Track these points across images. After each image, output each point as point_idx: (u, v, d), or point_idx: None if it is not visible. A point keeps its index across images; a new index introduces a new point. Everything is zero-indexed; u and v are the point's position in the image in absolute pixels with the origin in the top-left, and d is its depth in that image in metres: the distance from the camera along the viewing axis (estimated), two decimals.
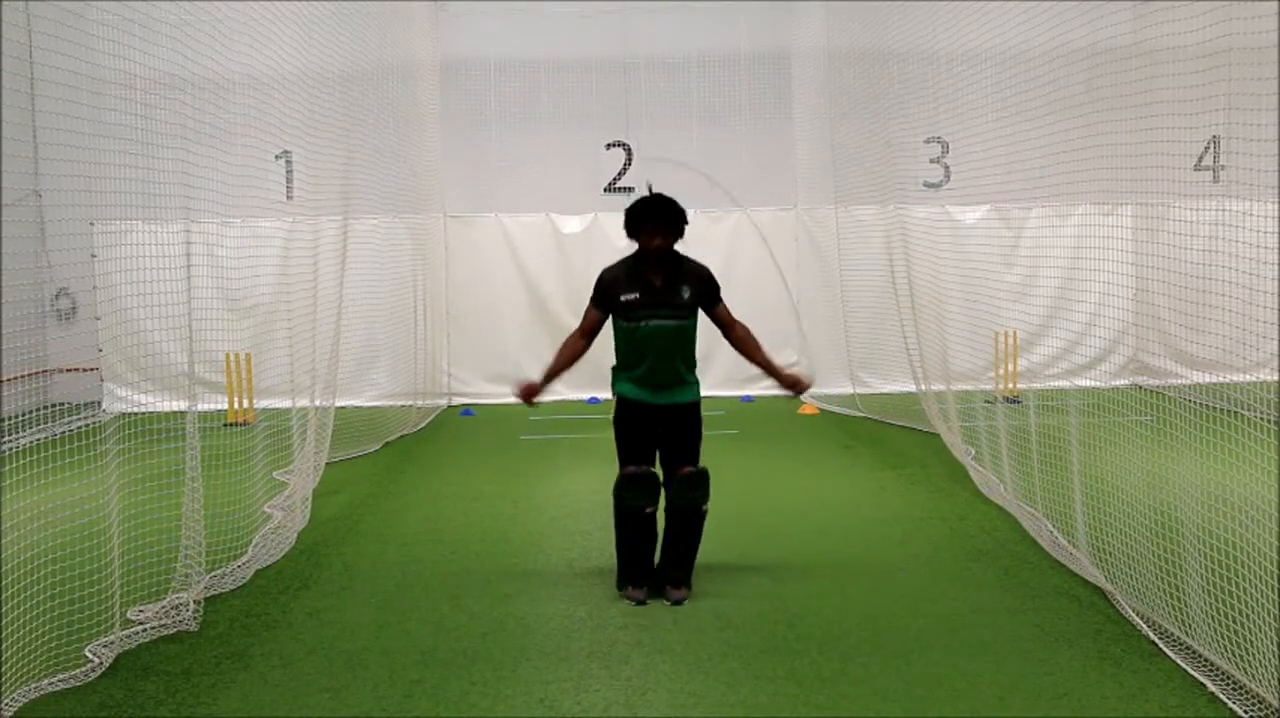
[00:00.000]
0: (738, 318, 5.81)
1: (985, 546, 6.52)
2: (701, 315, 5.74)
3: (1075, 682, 4.45)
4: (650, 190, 5.63)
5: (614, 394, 5.79)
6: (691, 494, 5.64)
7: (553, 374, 5.76)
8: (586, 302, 5.78)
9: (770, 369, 5.83)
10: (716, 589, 5.76)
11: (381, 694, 4.48)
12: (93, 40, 5.36)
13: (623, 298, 5.60)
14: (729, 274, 13.38)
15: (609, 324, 5.73)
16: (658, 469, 5.71)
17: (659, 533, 5.73)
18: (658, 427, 5.66)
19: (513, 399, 6.03)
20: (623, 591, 5.72)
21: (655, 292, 5.58)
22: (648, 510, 5.61)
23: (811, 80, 12.83)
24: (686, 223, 5.62)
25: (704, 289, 5.69)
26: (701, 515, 5.69)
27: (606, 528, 6.79)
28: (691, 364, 5.75)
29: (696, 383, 5.76)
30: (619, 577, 5.77)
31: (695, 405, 5.73)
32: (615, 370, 5.78)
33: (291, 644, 5.07)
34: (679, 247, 5.65)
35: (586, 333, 5.75)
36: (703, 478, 5.67)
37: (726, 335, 5.83)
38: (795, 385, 5.79)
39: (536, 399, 5.74)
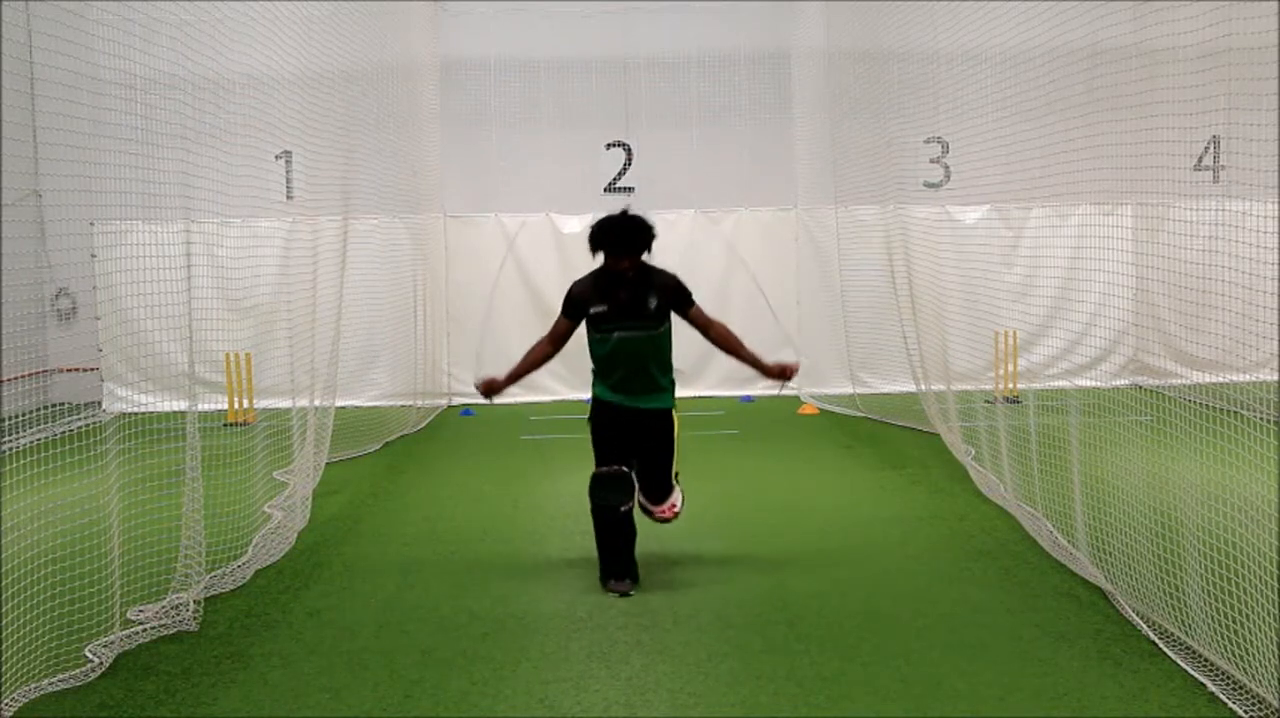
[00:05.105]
0: (715, 318, 5.94)
1: (985, 545, 6.51)
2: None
3: (1075, 682, 4.45)
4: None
5: (591, 397, 5.92)
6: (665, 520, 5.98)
7: (516, 375, 5.93)
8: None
9: (755, 363, 5.92)
10: (717, 589, 5.76)
11: (381, 694, 4.48)
12: (93, 40, 5.36)
13: (592, 310, 5.74)
14: (728, 274, 13.56)
15: (581, 332, 5.86)
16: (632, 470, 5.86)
17: (636, 530, 5.86)
18: (631, 430, 5.79)
19: (513, 399, 6.11)
20: (606, 585, 5.79)
21: (622, 304, 5.70)
22: (623, 509, 5.72)
23: (811, 80, 12.82)
24: (653, 238, 5.73)
25: (673, 297, 5.79)
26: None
27: None
28: (666, 371, 5.85)
29: (671, 389, 5.87)
30: (601, 572, 5.86)
31: (668, 413, 5.84)
32: (592, 377, 5.91)
33: (291, 644, 5.07)
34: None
35: (555, 340, 5.91)
36: (673, 518, 5.98)
37: (705, 335, 5.94)
38: (783, 373, 5.86)
39: (496, 398, 5.93)
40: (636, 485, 5.78)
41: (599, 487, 5.72)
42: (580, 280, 5.86)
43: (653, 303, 5.71)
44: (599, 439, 5.81)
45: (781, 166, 13.79)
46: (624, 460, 5.76)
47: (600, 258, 5.73)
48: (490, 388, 5.87)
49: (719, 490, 7.99)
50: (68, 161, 5.42)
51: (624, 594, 5.66)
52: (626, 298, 5.69)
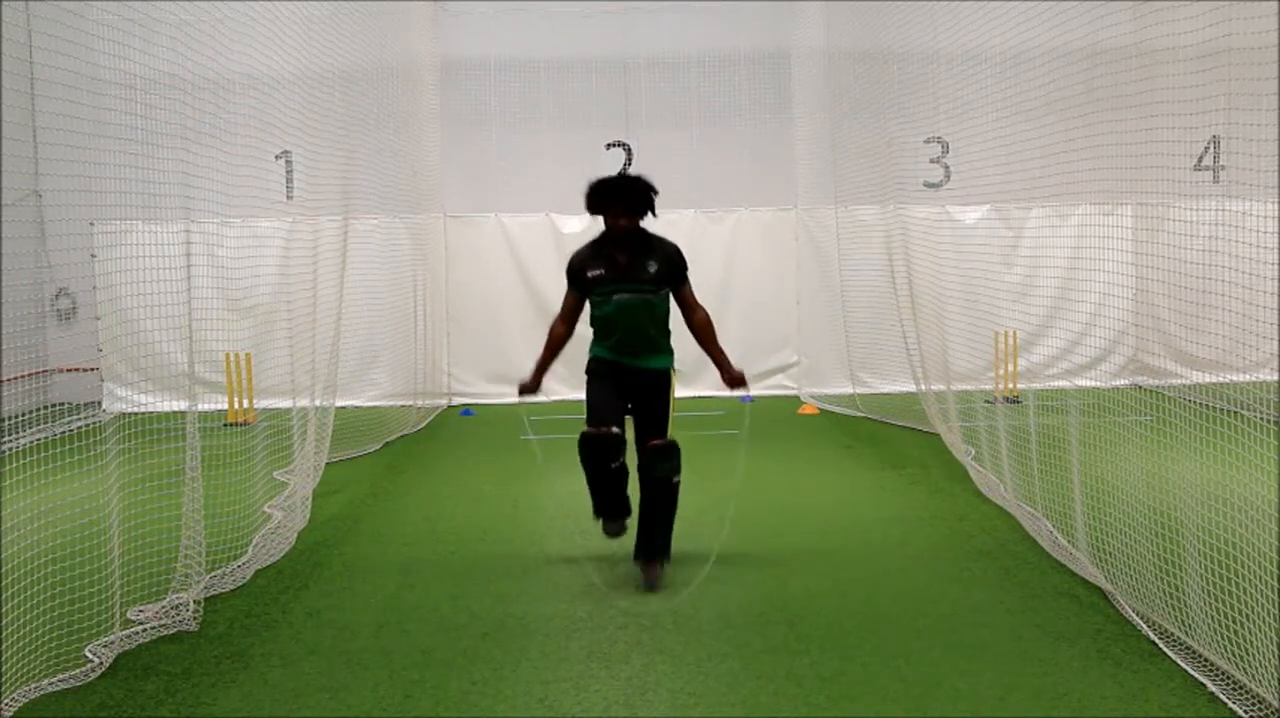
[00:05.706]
0: (703, 303, 5.94)
1: (985, 545, 6.51)
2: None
3: (1075, 682, 4.45)
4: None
5: (589, 355, 5.93)
6: (661, 467, 5.70)
7: (544, 364, 5.96)
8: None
9: (719, 361, 5.95)
10: (717, 589, 5.75)
11: (381, 694, 4.48)
12: (93, 40, 5.36)
13: (589, 274, 5.74)
14: (729, 274, 13.56)
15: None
16: (628, 430, 5.81)
17: (627, 471, 5.81)
18: (627, 388, 5.77)
19: (513, 399, 6.14)
20: (598, 520, 5.88)
21: (621, 267, 5.70)
22: (613, 466, 5.69)
23: (811, 80, 12.82)
24: (655, 196, 5.69)
25: (671, 267, 5.78)
26: (673, 489, 5.76)
27: None
28: (665, 334, 5.85)
29: (670, 352, 5.87)
30: (593, 507, 5.88)
31: (665, 373, 5.81)
32: (591, 343, 5.92)
33: (291, 644, 5.07)
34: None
35: (566, 317, 5.92)
36: (671, 450, 5.73)
37: (686, 318, 5.94)
38: (736, 383, 5.90)
39: (538, 391, 5.97)
40: (626, 441, 5.75)
41: (588, 448, 5.69)
42: (579, 250, 5.87)
43: (652, 268, 5.72)
44: (594, 391, 5.79)
45: (781, 167, 13.79)
46: (616, 417, 5.72)
47: (600, 221, 5.72)
48: (527, 388, 5.92)
49: (719, 490, 7.99)
50: (68, 161, 5.42)
51: (615, 535, 5.85)
52: (625, 261, 5.70)
